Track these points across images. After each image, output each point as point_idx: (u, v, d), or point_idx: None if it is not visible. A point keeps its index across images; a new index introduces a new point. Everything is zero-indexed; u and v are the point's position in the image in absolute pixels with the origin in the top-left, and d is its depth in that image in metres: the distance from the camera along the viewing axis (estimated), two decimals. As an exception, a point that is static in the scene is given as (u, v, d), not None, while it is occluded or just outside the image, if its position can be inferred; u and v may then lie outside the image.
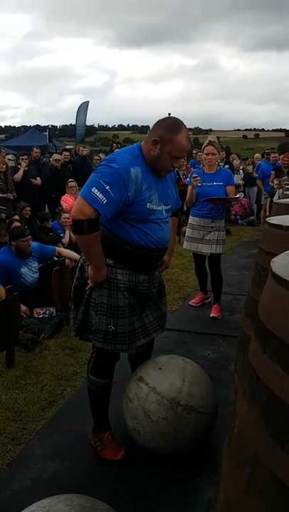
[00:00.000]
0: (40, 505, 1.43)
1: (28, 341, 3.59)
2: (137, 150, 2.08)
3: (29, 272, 4.39)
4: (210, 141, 4.33)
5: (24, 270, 4.35)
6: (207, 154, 4.27)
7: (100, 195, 1.91)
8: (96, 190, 1.91)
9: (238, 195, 4.66)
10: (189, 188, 4.30)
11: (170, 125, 2.03)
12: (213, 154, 4.22)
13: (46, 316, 4.16)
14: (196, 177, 4.19)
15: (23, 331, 3.71)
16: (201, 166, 4.46)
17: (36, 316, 4.18)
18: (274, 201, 3.00)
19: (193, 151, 12.17)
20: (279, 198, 8.20)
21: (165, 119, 2.12)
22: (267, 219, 1.86)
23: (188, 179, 4.48)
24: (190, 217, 4.45)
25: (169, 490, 2.09)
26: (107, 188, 1.91)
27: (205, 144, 4.38)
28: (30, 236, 4.45)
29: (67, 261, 4.45)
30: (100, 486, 2.11)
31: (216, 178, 4.24)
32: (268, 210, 8.71)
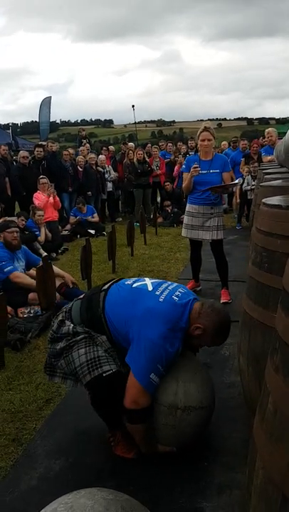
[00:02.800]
0: (62, 501, 1.40)
1: (16, 341, 3.52)
2: (186, 323, 2.08)
3: (18, 268, 4.35)
4: (205, 127, 4.26)
5: (16, 264, 4.35)
6: (203, 140, 4.22)
7: (156, 379, 2.02)
8: (154, 376, 2.01)
9: (236, 181, 4.66)
10: (186, 175, 4.27)
11: (220, 325, 2.10)
12: (208, 140, 4.18)
13: (31, 315, 4.08)
14: (196, 167, 4.13)
15: (9, 331, 3.63)
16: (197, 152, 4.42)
17: (21, 315, 4.10)
18: (260, 184, 3.03)
19: (160, 143, 12.20)
20: (248, 184, 8.33)
21: (220, 313, 2.14)
22: (263, 200, 1.88)
23: (184, 166, 4.45)
24: (188, 204, 4.43)
25: (178, 478, 2.09)
26: (162, 369, 2.03)
27: (200, 130, 4.30)
28: (17, 229, 4.50)
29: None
30: (109, 480, 2.09)
31: (212, 166, 4.21)
32: (238, 197, 8.83)
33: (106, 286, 2.31)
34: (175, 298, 2.10)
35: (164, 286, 2.20)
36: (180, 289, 2.20)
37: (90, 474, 2.15)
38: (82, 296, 2.40)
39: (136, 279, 2.35)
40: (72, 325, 2.23)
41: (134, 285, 2.23)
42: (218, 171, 4.22)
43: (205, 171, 4.19)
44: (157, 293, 2.12)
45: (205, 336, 2.10)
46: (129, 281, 2.29)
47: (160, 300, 2.08)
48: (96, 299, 2.24)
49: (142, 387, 1.98)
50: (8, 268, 4.20)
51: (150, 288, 2.17)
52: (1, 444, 2.38)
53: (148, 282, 2.23)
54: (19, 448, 2.37)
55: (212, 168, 4.21)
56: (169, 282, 2.31)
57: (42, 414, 2.68)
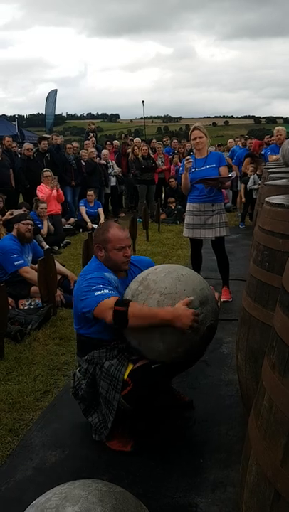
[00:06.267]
0: (56, 491, 1.41)
1: (16, 332, 3.53)
2: (95, 262, 2.34)
3: (28, 262, 4.39)
4: (194, 127, 4.37)
5: (25, 257, 4.40)
6: (194, 139, 4.30)
7: (106, 290, 2.10)
8: (98, 292, 2.09)
9: (230, 174, 4.65)
10: (183, 175, 4.30)
11: (101, 229, 2.39)
12: (200, 137, 4.25)
13: (32, 307, 4.09)
14: (188, 159, 4.20)
15: (9, 322, 3.64)
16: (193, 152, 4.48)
17: (22, 307, 4.11)
18: (265, 183, 3.02)
19: (164, 139, 12.18)
20: (255, 183, 8.29)
21: (97, 227, 2.42)
22: (266, 199, 1.87)
23: (181, 168, 4.49)
24: (188, 204, 4.43)
25: (173, 473, 2.10)
26: (101, 285, 2.13)
27: (191, 130, 4.41)
28: (32, 222, 4.57)
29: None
30: (105, 472, 2.10)
31: (208, 162, 4.25)
32: (243, 196, 8.80)
33: None
34: None
35: None
36: None
37: (85, 466, 2.16)
38: None
39: None
40: (76, 371, 2.37)
41: None
42: (214, 165, 4.25)
43: (202, 168, 4.23)
44: None
45: (104, 244, 2.28)
46: None
47: None
48: None
49: (98, 303, 2.06)
50: (19, 262, 4.23)
51: None
52: (-2, 434, 2.40)
53: None
54: (15, 438, 2.38)
55: (208, 163, 4.25)
56: None
57: (39, 405, 2.69)
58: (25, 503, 1.52)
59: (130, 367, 2.14)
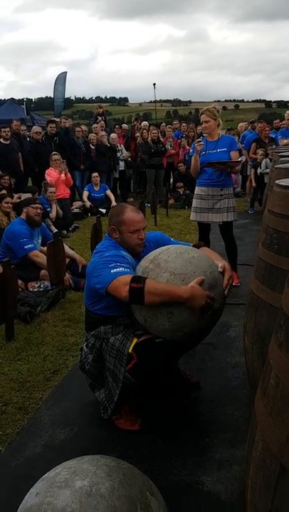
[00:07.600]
0: (66, 466, 1.45)
1: (26, 314, 3.58)
2: (108, 240, 2.38)
3: (37, 245, 4.42)
4: (203, 110, 4.34)
5: (35, 240, 4.43)
6: (202, 123, 4.31)
7: (121, 268, 2.12)
8: (114, 269, 2.11)
9: (239, 159, 4.61)
10: (193, 157, 4.28)
11: (116, 210, 2.41)
12: (206, 122, 4.22)
13: (41, 289, 4.14)
14: (199, 141, 4.19)
15: (19, 304, 3.69)
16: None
17: (31, 289, 4.16)
18: (275, 166, 2.99)
19: (175, 122, 12.09)
20: (267, 167, 8.21)
21: (112, 208, 2.49)
22: (277, 181, 1.86)
23: (191, 150, 4.46)
24: (196, 187, 4.41)
25: (180, 451, 2.14)
26: (118, 263, 2.14)
27: (199, 114, 4.38)
28: (41, 206, 4.60)
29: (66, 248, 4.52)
30: (113, 450, 2.14)
31: (219, 145, 4.22)
32: (253, 180, 8.73)
33: None
34: None
35: None
36: None
37: (93, 444, 2.21)
38: None
39: None
40: (84, 345, 2.39)
41: None
42: (225, 149, 4.21)
43: (213, 151, 4.20)
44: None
45: (119, 226, 2.31)
46: None
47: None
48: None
49: (114, 280, 2.08)
50: (29, 246, 4.26)
51: None
52: (9, 412, 2.45)
53: None
54: (25, 416, 2.44)
55: (218, 147, 4.22)
56: None
57: (49, 384, 2.75)
58: (35, 478, 1.56)
59: (135, 341, 2.18)
